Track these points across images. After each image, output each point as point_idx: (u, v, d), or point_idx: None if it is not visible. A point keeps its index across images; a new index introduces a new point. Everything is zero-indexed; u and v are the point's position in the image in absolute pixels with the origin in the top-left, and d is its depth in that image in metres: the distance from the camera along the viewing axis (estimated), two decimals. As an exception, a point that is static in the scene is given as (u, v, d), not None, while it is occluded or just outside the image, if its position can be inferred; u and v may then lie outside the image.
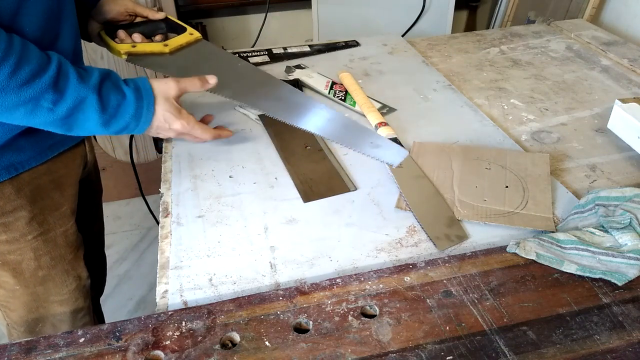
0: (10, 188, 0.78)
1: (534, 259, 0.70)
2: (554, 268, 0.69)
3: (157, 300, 0.69)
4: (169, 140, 1.01)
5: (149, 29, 0.96)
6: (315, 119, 0.83)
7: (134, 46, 0.92)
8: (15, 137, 0.75)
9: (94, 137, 0.99)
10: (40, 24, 0.70)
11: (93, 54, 1.78)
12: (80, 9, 0.89)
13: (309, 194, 0.86)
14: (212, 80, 0.83)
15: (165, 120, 0.78)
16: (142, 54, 0.92)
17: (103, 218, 1.18)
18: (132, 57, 0.92)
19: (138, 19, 0.97)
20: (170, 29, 0.98)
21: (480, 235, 0.78)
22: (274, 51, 1.36)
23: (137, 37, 0.93)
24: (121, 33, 0.93)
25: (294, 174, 0.90)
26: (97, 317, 1.12)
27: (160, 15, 0.97)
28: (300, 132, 1.02)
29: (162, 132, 0.80)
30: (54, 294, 0.89)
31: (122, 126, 0.74)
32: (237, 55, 1.34)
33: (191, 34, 0.96)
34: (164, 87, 0.78)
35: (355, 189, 0.87)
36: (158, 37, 0.96)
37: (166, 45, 0.92)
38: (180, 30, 0.97)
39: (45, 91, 0.65)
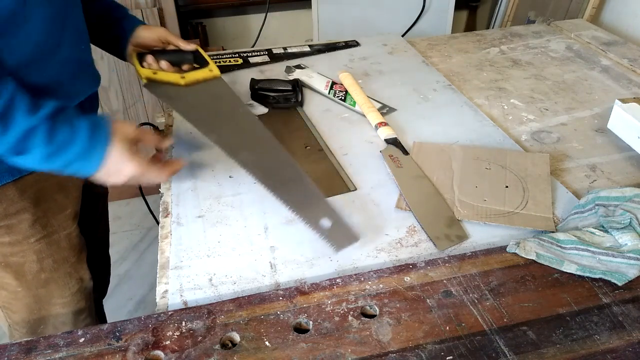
0: (13, 190, 0.78)
1: (534, 259, 0.70)
2: (554, 268, 0.69)
3: (157, 300, 0.69)
4: (168, 140, 1.01)
5: (177, 58, 1.00)
6: (281, 182, 0.79)
7: (155, 73, 0.96)
8: None
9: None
10: (43, 29, 0.70)
11: (93, 54, 1.78)
12: (120, 34, 0.95)
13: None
14: (167, 142, 0.82)
15: (118, 160, 0.71)
16: (160, 82, 0.95)
17: (108, 221, 1.18)
18: (150, 84, 0.95)
19: (170, 47, 1.00)
20: (196, 60, 1.01)
21: (480, 235, 0.78)
22: (274, 51, 1.36)
23: (164, 64, 0.95)
24: (149, 58, 0.95)
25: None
26: (99, 318, 1.11)
27: (190, 47, 1.00)
28: (300, 132, 1.02)
29: (113, 176, 0.72)
30: (56, 297, 0.89)
31: (65, 163, 0.69)
32: (237, 55, 1.34)
33: (211, 70, 0.98)
34: (124, 128, 0.73)
35: (355, 189, 0.87)
36: (185, 67, 0.99)
37: (183, 77, 0.95)
38: (204, 65, 1.00)
39: None
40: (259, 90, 1.14)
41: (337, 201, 0.85)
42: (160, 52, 0.98)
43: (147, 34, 0.97)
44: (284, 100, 1.11)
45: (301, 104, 1.12)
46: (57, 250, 0.86)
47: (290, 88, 1.13)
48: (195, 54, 1.01)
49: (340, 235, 0.71)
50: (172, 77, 0.95)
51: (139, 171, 0.73)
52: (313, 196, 0.75)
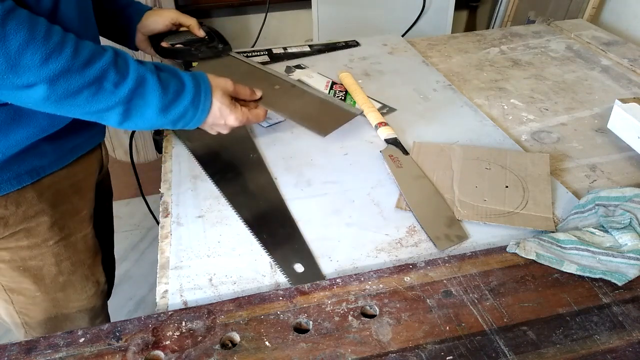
0: (32, 193, 0.76)
1: (534, 259, 0.70)
2: (554, 268, 0.69)
3: (157, 300, 0.69)
4: (169, 140, 1.01)
5: (190, 41, 1.02)
6: (266, 226, 0.81)
7: None
8: (38, 142, 0.74)
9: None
10: (75, 22, 0.70)
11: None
12: (126, 24, 0.96)
13: (323, 124, 0.85)
14: (259, 93, 0.87)
15: (221, 114, 0.78)
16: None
17: (113, 222, 1.17)
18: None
19: (182, 29, 1.02)
20: (210, 40, 1.03)
21: (480, 235, 0.78)
22: (274, 51, 1.36)
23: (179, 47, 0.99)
24: (164, 44, 0.99)
25: (291, 114, 0.90)
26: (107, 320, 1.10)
27: (201, 33, 1.01)
28: (258, 75, 1.01)
29: (217, 127, 0.80)
30: (74, 300, 0.88)
31: (181, 113, 0.73)
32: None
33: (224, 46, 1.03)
34: (222, 82, 0.79)
35: (361, 112, 0.85)
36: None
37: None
38: (220, 42, 1.03)
39: (107, 70, 0.64)
40: (166, 46, 1.00)
41: (337, 201, 0.85)
42: (173, 36, 0.99)
43: (157, 20, 0.97)
44: (208, 50, 1.02)
45: (230, 48, 1.05)
46: (74, 253, 0.85)
47: (205, 36, 1.02)
48: (210, 34, 1.03)
49: (310, 280, 0.72)
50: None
51: (241, 120, 0.80)
52: (295, 240, 0.77)
